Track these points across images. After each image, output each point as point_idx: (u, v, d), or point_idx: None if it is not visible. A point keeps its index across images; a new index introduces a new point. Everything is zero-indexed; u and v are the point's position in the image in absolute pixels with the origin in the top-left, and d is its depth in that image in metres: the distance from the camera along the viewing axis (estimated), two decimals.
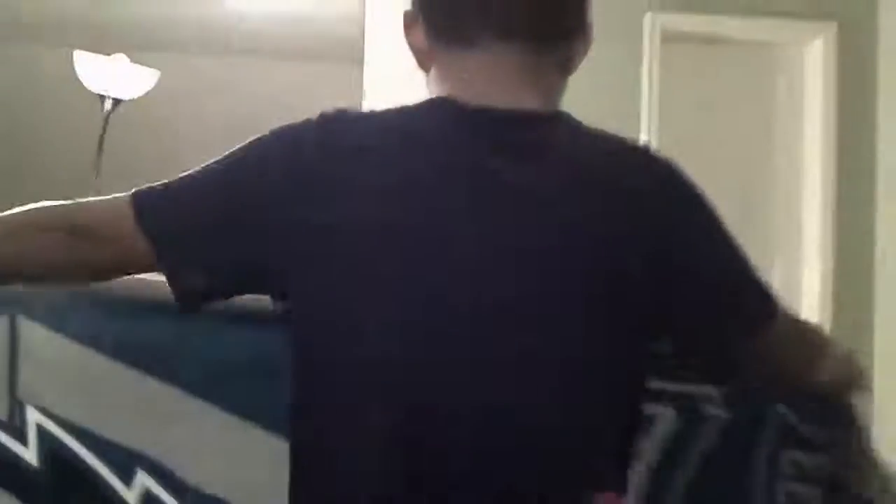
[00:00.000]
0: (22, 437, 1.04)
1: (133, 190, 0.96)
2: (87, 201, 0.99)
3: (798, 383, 1.11)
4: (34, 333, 1.04)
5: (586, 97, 3.43)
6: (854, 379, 1.17)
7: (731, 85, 3.43)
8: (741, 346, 1.01)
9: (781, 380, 1.08)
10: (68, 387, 1.05)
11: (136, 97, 3.76)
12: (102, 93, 3.66)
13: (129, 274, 0.96)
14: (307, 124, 0.96)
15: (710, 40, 3.32)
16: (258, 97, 5.59)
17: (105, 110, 3.70)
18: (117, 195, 0.97)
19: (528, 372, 0.90)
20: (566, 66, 1.02)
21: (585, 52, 1.03)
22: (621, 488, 0.98)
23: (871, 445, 1.22)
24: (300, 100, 5.96)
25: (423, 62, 1.02)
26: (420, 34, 1.01)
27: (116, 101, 3.69)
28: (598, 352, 0.92)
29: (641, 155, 1.04)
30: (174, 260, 0.92)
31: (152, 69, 3.73)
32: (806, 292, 3.38)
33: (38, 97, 5.01)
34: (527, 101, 0.96)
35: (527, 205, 0.91)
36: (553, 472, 0.91)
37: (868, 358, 3.34)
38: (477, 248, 0.90)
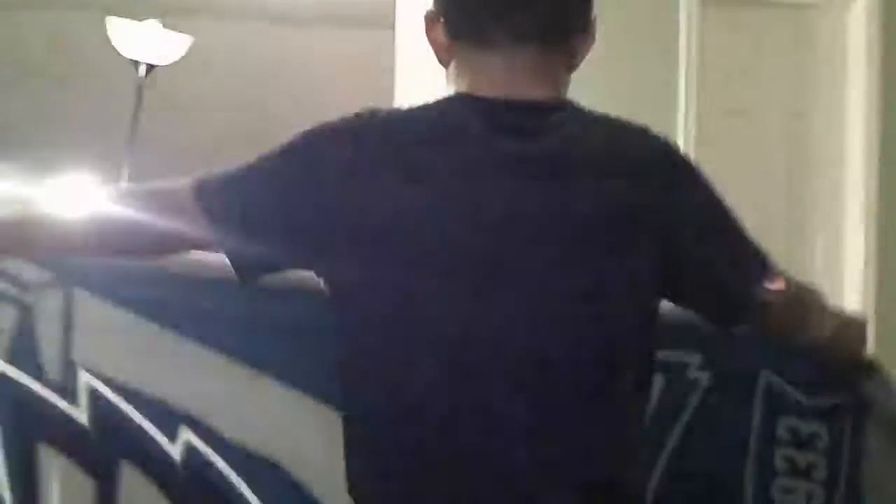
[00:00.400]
0: (74, 399, 1.13)
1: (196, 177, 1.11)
2: (154, 184, 1.15)
3: (801, 337, 1.22)
4: (88, 303, 1.15)
5: (624, 62, 3.41)
6: (860, 338, 1.28)
7: (771, 48, 3.36)
8: (745, 302, 1.14)
9: (785, 333, 1.21)
10: (118, 351, 1.15)
11: (169, 63, 3.76)
12: (136, 59, 3.68)
13: (188, 249, 1.11)
14: (348, 121, 1.10)
15: (749, 2, 3.25)
16: (290, 62, 5.58)
17: (139, 76, 3.71)
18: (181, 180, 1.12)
19: (562, 319, 1.02)
20: (571, 63, 1.18)
21: (588, 49, 1.21)
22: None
23: None
24: (332, 66, 6.01)
25: (443, 58, 1.16)
26: (441, 33, 1.14)
27: (150, 67, 3.70)
28: (617, 294, 1.05)
29: (642, 133, 1.19)
30: (232, 239, 1.06)
31: (185, 35, 3.73)
32: (848, 262, 3.33)
33: (72, 63, 5.05)
34: (538, 92, 1.11)
35: (548, 176, 1.05)
36: (585, 405, 1.03)
37: None
38: (508, 215, 1.03)
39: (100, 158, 4.08)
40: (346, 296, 1.04)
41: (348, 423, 1.04)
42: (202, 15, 4.80)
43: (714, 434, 1.29)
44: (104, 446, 1.15)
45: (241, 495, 1.15)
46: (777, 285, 1.16)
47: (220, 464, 1.15)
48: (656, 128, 3.60)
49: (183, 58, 3.79)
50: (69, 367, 1.14)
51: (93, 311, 1.15)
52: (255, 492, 1.15)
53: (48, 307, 1.14)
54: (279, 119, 5.64)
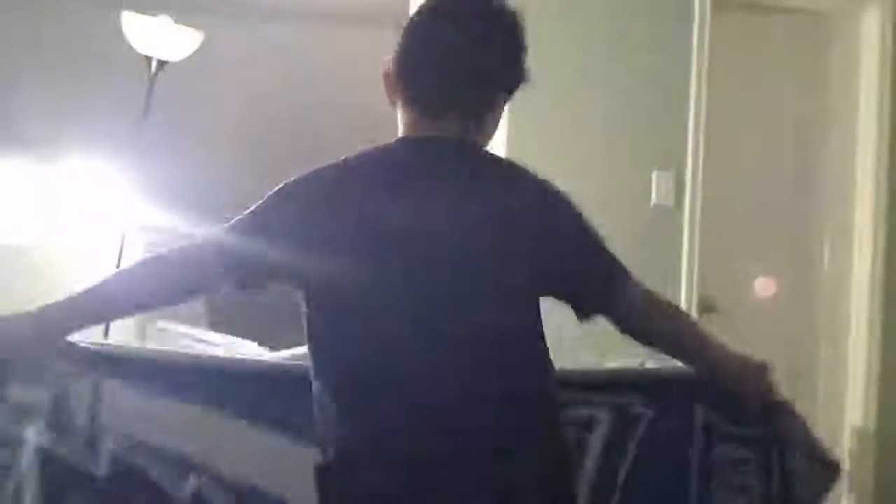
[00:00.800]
0: (96, 458, 1.38)
1: (208, 231, 1.41)
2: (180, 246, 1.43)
3: (679, 356, 1.59)
4: (115, 392, 1.41)
5: (637, 64, 3.40)
6: (759, 379, 1.61)
7: (784, 54, 3.36)
8: (611, 301, 1.50)
9: (651, 340, 1.57)
10: (138, 418, 1.41)
11: (180, 59, 3.77)
12: (149, 54, 3.68)
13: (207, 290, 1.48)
14: (328, 168, 1.42)
15: (762, 8, 3.24)
16: (301, 61, 5.59)
17: (150, 72, 3.72)
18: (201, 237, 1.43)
19: (480, 315, 1.34)
20: (494, 120, 1.51)
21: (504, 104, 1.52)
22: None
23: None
24: (343, 64, 5.98)
25: (392, 97, 1.45)
26: (397, 91, 1.44)
27: (162, 63, 3.71)
28: (517, 300, 1.39)
29: (528, 172, 1.49)
30: (241, 273, 1.38)
31: (197, 31, 3.74)
32: (858, 270, 3.33)
33: (85, 58, 5.06)
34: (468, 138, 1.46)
35: (467, 201, 1.38)
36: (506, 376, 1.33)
37: None
38: (433, 227, 1.35)
39: (110, 152, 4.10)
40: (322, 290, 1.34)
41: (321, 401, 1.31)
42: (214, 11, 4.82)
43: (660, 459, 1.54)
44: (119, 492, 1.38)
45: None
46: (632, 290, 1.52)
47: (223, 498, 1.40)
48: (669, 131, 3.60)
49: (194, 54, 3.79)
50: (95, 436, 1.39)
51: (119, 396, 1.42)
52: None
53: (79, 389, 1.41)
54: (289, 116, 5.66)
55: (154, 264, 1.37)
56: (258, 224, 1.36)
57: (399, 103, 1.43)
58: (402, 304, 1.30)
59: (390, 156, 1.40)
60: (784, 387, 3.51)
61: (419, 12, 1.44)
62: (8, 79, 4.88)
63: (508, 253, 1.37)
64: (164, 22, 3.70)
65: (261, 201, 1.38)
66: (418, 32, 1.43)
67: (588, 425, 1.54)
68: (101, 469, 1.34)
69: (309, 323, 1.34)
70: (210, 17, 4.35)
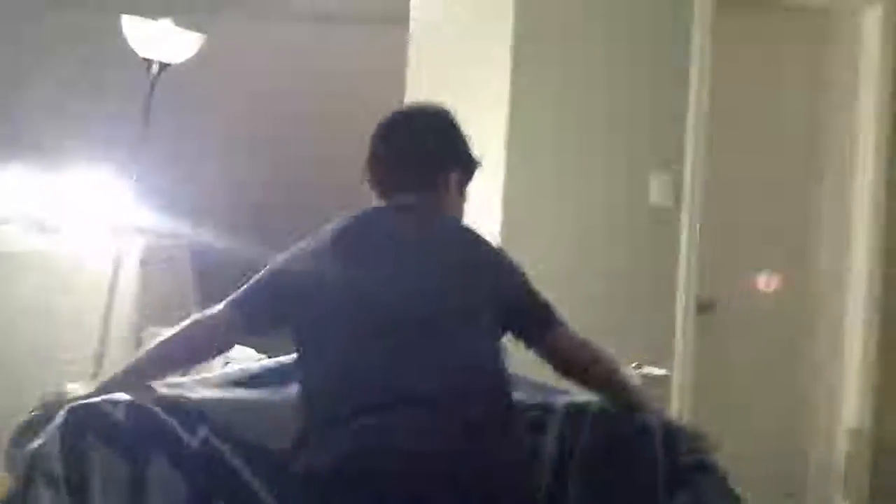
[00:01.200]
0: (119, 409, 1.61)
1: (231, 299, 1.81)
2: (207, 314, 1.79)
3: (600, 384, 1.87)
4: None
5: (636, 63, 3.39)
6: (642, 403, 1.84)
7: (784, 53, 3.36)
8: (544, 341, 1.84)
9: (580, 377, 1.87)
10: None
11: (181, 61, 3.77)
12: (149, 57, 3.68)
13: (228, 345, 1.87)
14: (322, 241, 1.80)
15: (762, 6, 3.24)
16: (304, 63, 5.59)
17: (151, 74, 3.72)
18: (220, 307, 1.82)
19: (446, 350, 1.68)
20: (451, 198, 1.92)
21: (466, 179, 1.95)
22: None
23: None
24: (344, 64, 5.96)
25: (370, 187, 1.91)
26: (368, 181, 1.91)
27: (163, 66, 3.71)
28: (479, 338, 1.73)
29: (478, 235, 1.87)
30: (254, 326, 1.78)
31: (197, 33, 3.74)
32: (852, 266, 3.32)
33: (85, 61, 5.06)
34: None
35: (427, 258, 1.77)
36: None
37: None
38: (402, 281, 1.71)
39: (111, 156, 4.10)
40: (310, 329, 1.73)
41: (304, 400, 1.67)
42: (215, 14, 4.82)
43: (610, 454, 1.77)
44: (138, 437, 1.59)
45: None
46: (561, 332, 1.84)
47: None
48: (667, 131, 3.58)
49: (195, 56, 3.79)
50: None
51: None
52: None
53: None
54: (292, 118, 5.65)
55: (190, 331, 1.73)
56: (262, 290, 1.77)
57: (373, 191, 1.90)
58: (372, 329, 1.66)
59: (362, 220, 1.82)
60: (782, 389, 3.51)
61: (379, 125, 1.91)
62: (9, 82, 4.89)
63: (466, 290, 1.74)
64: (164, 25, 3.71)
65: (259, 274, 1.80)
66: (375, 140, 1.91)
67: (542, 427, 1.78)
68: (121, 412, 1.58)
69: (299, 351, 1.74)
70: (211, 19, 4.36)
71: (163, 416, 1.59)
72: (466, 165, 1.91)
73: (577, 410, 1.80)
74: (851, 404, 3.29)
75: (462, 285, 1.73)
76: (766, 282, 3.30)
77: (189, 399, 1.66)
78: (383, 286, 1.69)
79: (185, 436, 1.59)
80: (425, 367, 1.60)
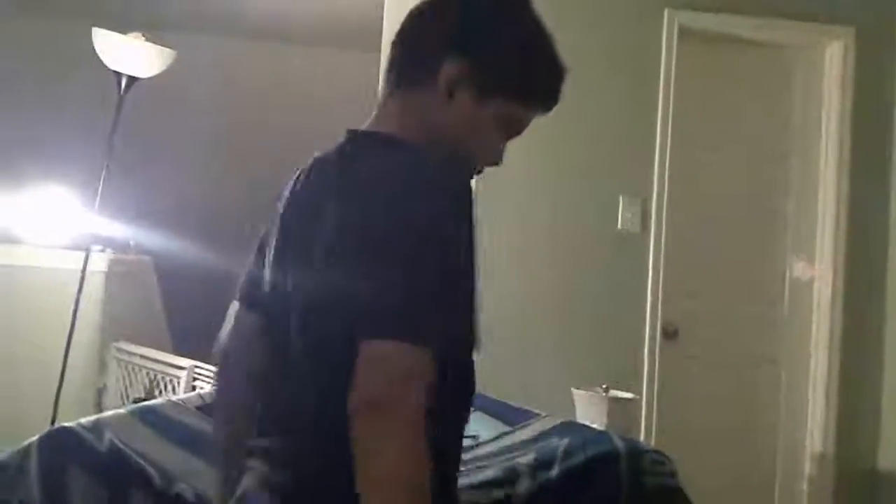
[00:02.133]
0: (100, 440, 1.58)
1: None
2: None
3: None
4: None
5: (604, 93, 3.44)
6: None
7: (748, 85, 3.42)
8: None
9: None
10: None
11: (151, 76, 3.76)
12: (119, 70, 3.66)
13: None
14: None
15: (729, 39, 3.31)
16: (272, 79, 5.59)
17: (120, 89, 3.70)
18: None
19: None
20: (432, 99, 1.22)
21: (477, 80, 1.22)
22: None
23: None
24: (315, 85, 5.98)
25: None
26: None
27: (132, 80, 3.69)
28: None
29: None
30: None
31: (168, 49, 3.73)
32: (818, 296, 3.38)
33: (57, 73, 5.02)
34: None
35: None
36: None
37: (878, 358, 3.35)
38: None
39: (77, 170, 4.06)
40: None
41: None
42: (187, 30, 4.81)
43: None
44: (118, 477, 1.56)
45: None
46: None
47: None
48: (634, 159, 3.64)
49: (164, 71, 3.78)
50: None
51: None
52: None
53: None
54: (260, 133, 5.64)
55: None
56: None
57: None
58: None
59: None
60: (743, 412, 3.55)
61: None
62: None
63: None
64: (134, 39, 3.69)
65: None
66: None
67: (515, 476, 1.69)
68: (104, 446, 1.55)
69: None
70: (181, 34, 4.35)
71: (139, 460, 1.56)
72: (478, 56, 1.20)
73: (547, 454, 1.74)
74: (815, 428, 3.34)
75: None
76: (807, 266, 3.34)
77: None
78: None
79: (160, 484, 1.56)
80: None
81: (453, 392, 1.12)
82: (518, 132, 1.28)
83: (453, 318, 1.09)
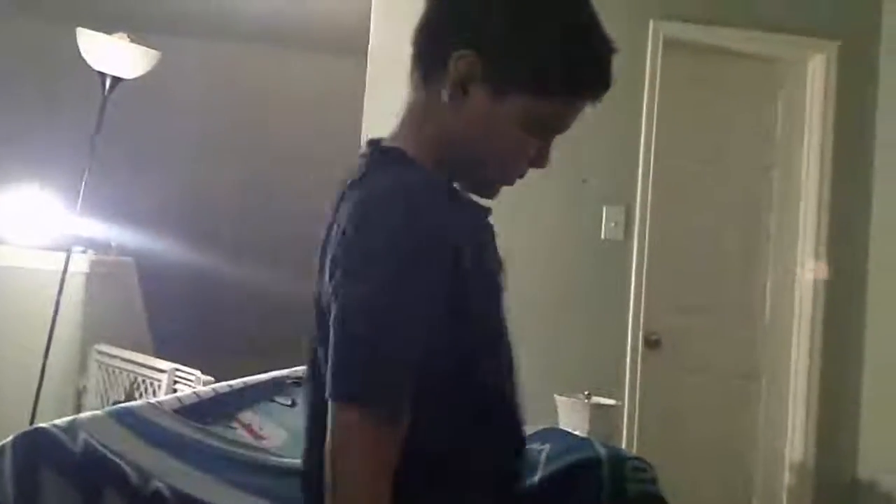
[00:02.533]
0: (74, 441, 1.54)
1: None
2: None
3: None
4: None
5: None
6: None
7: (732, 97, 3.45)
8: None
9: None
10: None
11: (135, 77, 3.74)
12: (103, 71, 3.65)
13: None
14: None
15: (713, 51, 3.33)
16: (258, 84, 5.58)
17: (104, 89, 3.68)
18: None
19: None
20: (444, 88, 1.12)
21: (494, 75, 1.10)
22: None
23: None
24: (301, 89, 5.98)
25: None
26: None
27: (116, 80, 3.67)
28: None
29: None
30: None
31: (153, 50, 3.71)
32: (798, 305, 3.40)
33: (40, 73, 5.00)
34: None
35: None
36: None
37: (858, 369, 3.37)
38: None
39: (59, 171, 4.04)
40: None
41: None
42: (170, 30, 4.80)
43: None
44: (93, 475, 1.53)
45: None
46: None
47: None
48: (619, 168, 3.66)
49: (149, 73, 3.76)
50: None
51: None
52: None
53: None
54: (243, 135, 5.63)
55: None
56: None
57: None
58: None
59: None
60: (724, 422, 3.57)
61: None
62: None
63: None
64: (119, 39, 3.68)
65: None
66: None
67: None
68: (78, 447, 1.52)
69: None
70: (166, 35, 4.33)
71: (115, 459, 1.55)
72: (489, 44, 1.08)
73: (529, 460, 1.68)
74: (795, 438, 3.35)
75: None
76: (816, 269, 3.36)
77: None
78: None
79: (136, 482, 1.55)
80: None
81: (466, 431, 1.10)
82: (557, 130, 1.14)
83: (441, 352, 1.03)
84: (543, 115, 1.10)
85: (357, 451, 0.99)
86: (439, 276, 1.02)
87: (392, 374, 1.01)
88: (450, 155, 1.10)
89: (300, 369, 2.23)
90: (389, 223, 1.00)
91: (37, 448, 1.51)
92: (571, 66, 1.08)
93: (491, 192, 1.17)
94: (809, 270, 3.37)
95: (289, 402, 2.01)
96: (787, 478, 3.37)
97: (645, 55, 3.23)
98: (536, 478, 1.69)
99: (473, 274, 1.06)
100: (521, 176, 1.17)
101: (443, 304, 1.02)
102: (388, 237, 1.00)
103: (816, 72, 3.41)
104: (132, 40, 3.71)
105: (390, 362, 1.01)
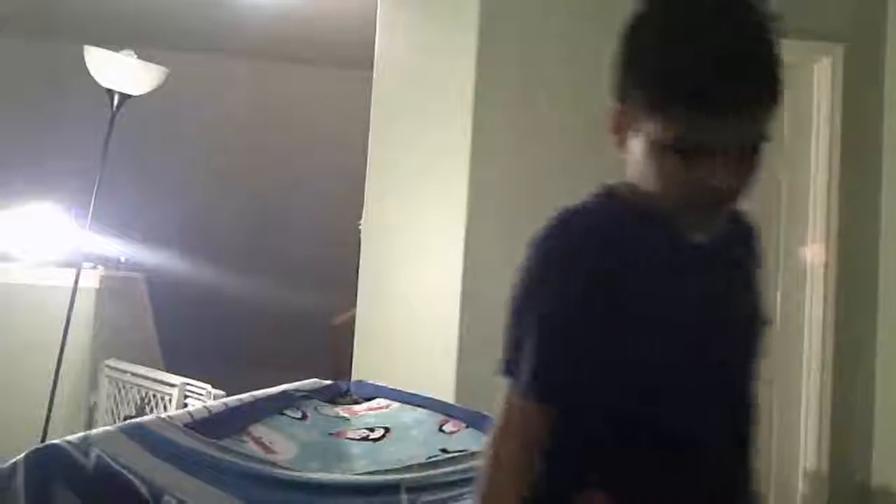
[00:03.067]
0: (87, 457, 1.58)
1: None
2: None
3: None
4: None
5: (598, 107, 3.43)
6: None
7: None
8: None
9: None
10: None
11: (143, 93, 3.77)
12: (111, 88, 3.67)
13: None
14: None
15: None
16: (265, 99, 5.60)
17: (113, 106, 3.70)
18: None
19: None
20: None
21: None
22: None
23: None
24: (309, 103, 6.00)
25: None
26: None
27: (124, 97, 3.70)
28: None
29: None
30: None
31: (161, 66, 3.74)
32: (809, 310, 3.39)
33: (49, 91, 5.03)
34: None
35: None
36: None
37: (870, 376, 3.35)
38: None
39: (69, 187, 4.06)
40: None
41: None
42: (177, 47, 4.83)
43: None
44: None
45: None
46: None
47: None
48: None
49: (157, 89, 3.79)
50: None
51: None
52: None
53: None
54: (251, 151, 5.64)
55: None
56: None
57: None
58: None
59: None
60: None
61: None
62: None
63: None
64: (127, 57, 3.70)
65: None
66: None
67: None
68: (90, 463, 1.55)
69: None
70: (173, 52, 4.36)
71: (127, 474, 1.56)
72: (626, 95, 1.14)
73: None
74: (808, 446, 3.33)
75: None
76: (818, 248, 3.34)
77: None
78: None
79: (148, 497, 1.56)
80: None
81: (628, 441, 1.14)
82: (696, 146, 1.07)
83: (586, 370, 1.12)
84: (677, 139, 1.08)
85: (506, 438, 1.14)
86: (563, 288, 1.12)
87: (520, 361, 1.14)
88: (647, 200, 1.16)
89: (309, 383, 2.23)
90: (534, 239, 1.18)
91: (49, 464, 1.52)
92: (659, 79, 1.08)
93: (706, 221, 1.18)
94: (819, 275, 3.36)
95: (298, 416, 2.00)
96: (800, 485, 3.35)
97: None
98: None
99: (627, 301, 1.12)
100: (732, 192, 1.15)
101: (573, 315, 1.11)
102: (529, 251, 1.17)
103: (822, 75, 3.41)
104: (139, 57, 3.74)
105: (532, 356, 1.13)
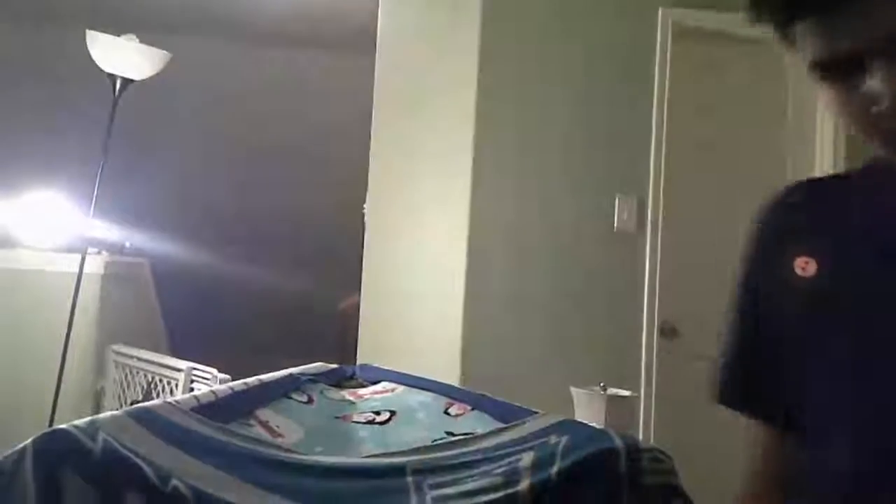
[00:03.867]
0: (94, 441, 1.56)
1: None
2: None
3: None
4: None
5: (599, 93, 3.44)
6: None
7: (743, 83, 3.43)
8: None
9: None
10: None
11: (145, 78, 3.76)
12: (113, 72, 3.66)
13: None
14: None
15: (723, 37, 3.31)
16: (268, 83, 5.59)
17: (116, 90, 3.69)
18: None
19: None
20: None
21: None
22: None
23: None
24: (309, 87, 5.98)
25: None
26: None
27: (126, 82, 3.69)
28: None
29: None
30: None
31: (163, 51, 3.73)
32: None
33: (51, 76, 5.02)
34: None
35: None
36: None
37: None
38: None
39: (73, 173, 4.06)
40: None
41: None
42: (181, 32, 4.81)
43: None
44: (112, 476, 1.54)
45: None
46: None
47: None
48: (631, 157, 3.63)
49: (159, 74, 3.78)
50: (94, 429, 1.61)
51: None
52: None
53: None
54: (253, 135, 5.64)
55: None
56: None
57: None
58: None
59: None
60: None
61: None
62: None
63: None
64: (128, 41, 3.69)
65: None
66: None
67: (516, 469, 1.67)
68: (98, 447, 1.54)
69: None
70: (175, 36, 4.35)
71: (135, 458, 1.55)
72: None
73: (546, 453, 1.72)
74: None
75: None
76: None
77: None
78: None
79: (156, 482, 1.55)
80: None
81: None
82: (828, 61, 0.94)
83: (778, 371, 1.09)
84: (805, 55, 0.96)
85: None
86: (743, 270, 1.12)
87: (717, 371, 1.15)
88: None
89: (314, 366, 2.23)
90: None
91: (57, 449, 1.51)
92: None
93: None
94: None
95: (304, 399, 2.01)
96: None
97: (654, 43, 3.22)
98: (554, 470, 1.68)
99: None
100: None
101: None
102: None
103: None
104: (141, 41, 3.73)
105: (718, 361, 1.16)
